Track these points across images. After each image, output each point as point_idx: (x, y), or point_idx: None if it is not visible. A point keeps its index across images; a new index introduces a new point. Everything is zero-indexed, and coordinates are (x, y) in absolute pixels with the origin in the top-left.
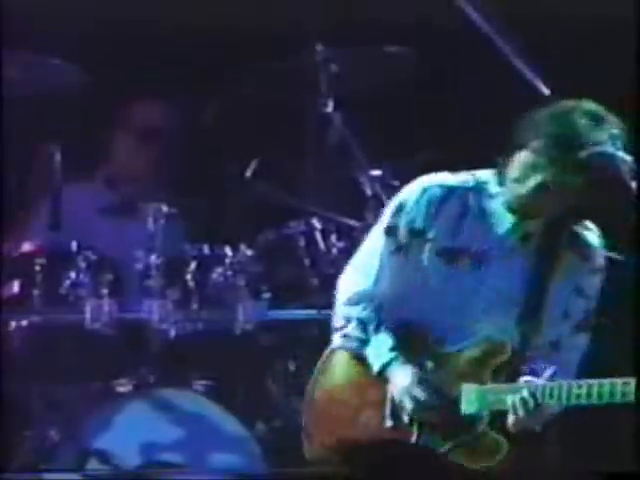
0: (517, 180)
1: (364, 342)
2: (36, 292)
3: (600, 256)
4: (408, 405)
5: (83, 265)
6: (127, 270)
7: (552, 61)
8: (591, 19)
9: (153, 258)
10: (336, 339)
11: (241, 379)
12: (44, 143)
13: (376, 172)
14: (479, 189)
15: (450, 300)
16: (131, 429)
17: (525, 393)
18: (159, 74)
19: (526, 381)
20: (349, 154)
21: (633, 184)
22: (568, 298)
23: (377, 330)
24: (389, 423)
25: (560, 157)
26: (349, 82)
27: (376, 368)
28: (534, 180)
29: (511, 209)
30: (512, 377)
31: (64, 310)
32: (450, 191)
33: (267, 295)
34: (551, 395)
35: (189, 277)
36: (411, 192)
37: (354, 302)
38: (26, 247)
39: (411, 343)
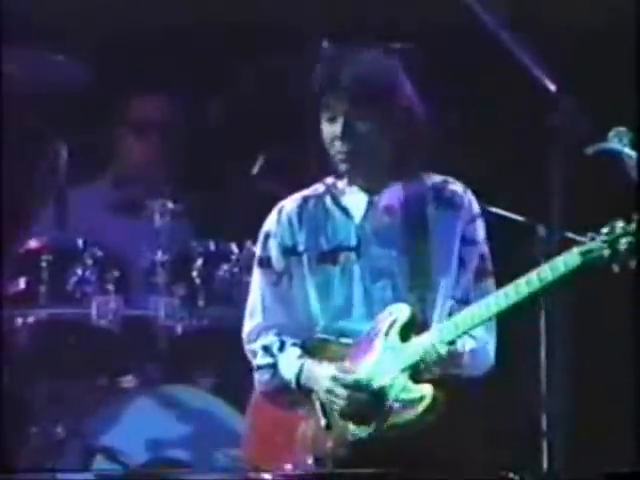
0: (338, 149)
1: (274, 366)
2: (42, 289)
3: (471, 201)
4: (339, 393)
5: (89, 262)
6: (133, 267)
7: (555, 59)
8: (591, 18)
9: (159, 255)
10: (255, 376)
11: (247, 376)
12: (50, 141)
13: None
14: (331, 191)
15: (342, 298)
16: (137, 426)
17: (438, 338)
18: (164, 71)
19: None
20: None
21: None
22: (458, 250)
23: (282, 349)
24: (323, 422)
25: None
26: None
27: (293, 380)
28: (340, 132)
29: (361, 188)
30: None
31: (70, 307)
32: (304, 200)
33: None
34: (457, 326)
35: (195, 274)
36: (271, 218)
37: (253, 338)
38: (32, 244)
39: (317, 349)
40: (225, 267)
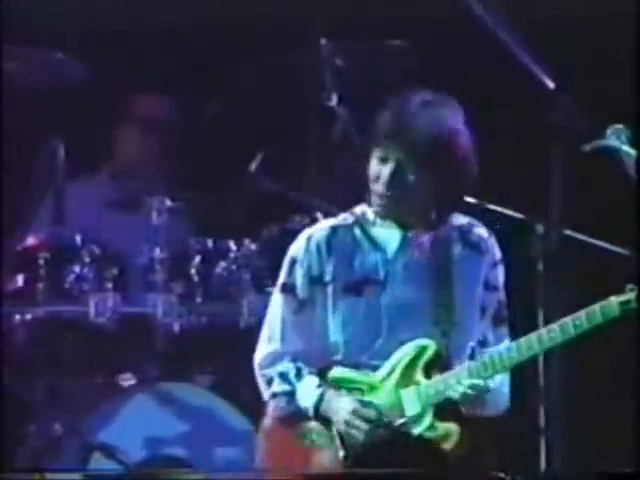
0: (380, 192)
1: (292, 393)
2: (40, 286)
3: (494, 246)
4: (359, 425)
5: (87, 259)
6: (131, 264)
7: (555, 58)
8: (591, 18)
9: (157, 252)
10: (269, 405)
11: (245, 373)
12: (47, 137)
13: None
14: (360, 222)
15: (365, 330)
16: (135, 423)
17: (466, 377)
18: (162, 68)
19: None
20: (353, 148)
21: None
22: (479, 294)
23: (299, 376)
24: (341, 454)
25: (392, 143)
26: (353, 76)
27: (311, 410)
28: (388, 177)
29: (393, 222)
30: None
31: (68, 304)
32: (333, 230)
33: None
34: (485, 368)
35: (193, 271)
36: (298, 245)
37: (268, 364)
38: (30, 241)
39: (336, 379)
40: (223, 264)
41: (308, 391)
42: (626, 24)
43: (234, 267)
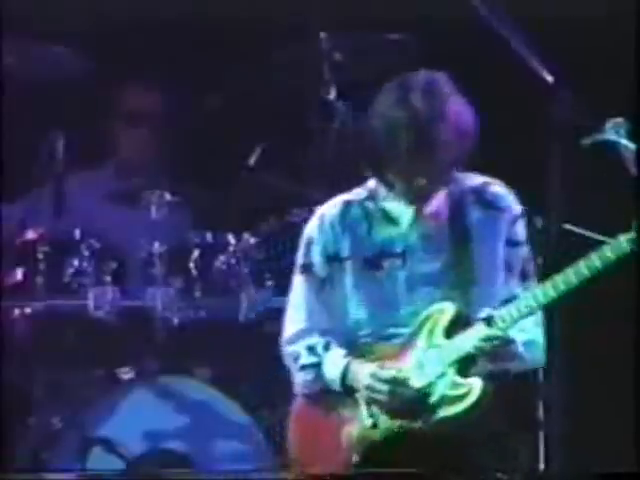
0: (392, 167)
1: (319, 365)
2: (39, 280)
3: (513, 202)
4: (380, 388)
5: (86, 253)
6: (130, 258)
7: (553, 50)
8: (589, 8)
9: (156, 246)
10: (297, 378)
11: (244, 367)
12: (47, 130)
13: None
14: (373, 196)
15: (387, 303)
16: (134, 417)
17: (483, 330)
18: (162, 62)
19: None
20: (352, 141)
21: (637, 171)
22: (502, 252)
23: (327, 348)
24: (369, 422)
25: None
26: (352, 69)
27: (338, 380)
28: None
29: (404, 195)
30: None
31: (67, 298)
32: (346, 206)
33: (271, 283)
34: (503, 320)
35: (192, 265)
36: (313, 224)
37: (295, 339)
38: (29, 235)
39: (362, 352)
40: (222, 258)
41: (335, 362)
42: (626, 16)
43: (233, 261)
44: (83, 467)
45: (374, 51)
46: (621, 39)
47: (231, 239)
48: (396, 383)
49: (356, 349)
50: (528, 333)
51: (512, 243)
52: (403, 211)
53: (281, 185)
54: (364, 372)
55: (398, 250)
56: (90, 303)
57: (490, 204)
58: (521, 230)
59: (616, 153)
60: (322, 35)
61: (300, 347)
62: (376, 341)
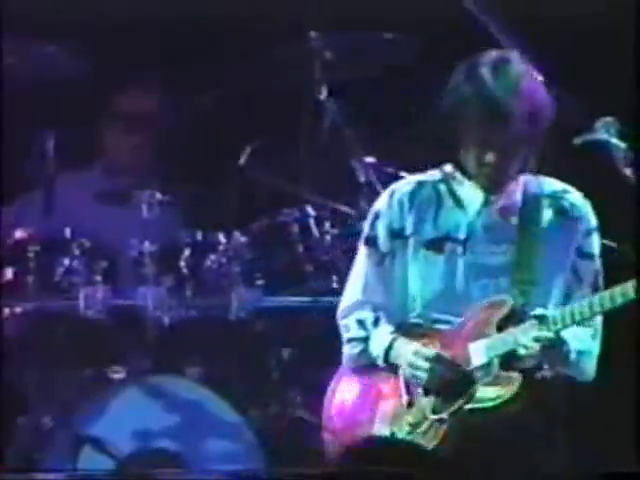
0: (472, 154)
1: (366, 339)
2: (30, 279)
3: (589, 213)
4: (420, 365)
5: (77, 252)
6: (121, 257)
7: (550, 55)
8: (591, 15)
9: (147, 245)
10: (344, 350)
11: (235, 366)
12: (38, 130)
13: (370, 159)
14: (447, 180)
15: (443, 287)
16: (125, 416)
17: (534, 329)
18: (153, 63)
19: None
20: (343, 141)
21: (627, 171)
22: (573, 262)
23: (376, 324)
24: (405, 399)
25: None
26: (343, 68)
27: (381, 355)
28: (492, 145)
29: (479, 183)
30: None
31: (58, 297)
32: (419, 185)
33: (261, 282)
34: (555, 322)
35: (183, 264)
36: (382, 199)
37: (348, 312)
38: (20, 234)
39: (410, 332)
40: (213, 257)
41: (381, 337)
42: (626, 13)
43: (224, 260)
44: (74, 466)
45: (365, 50)
46: (618, 35)
47: (222, 238)
48: (438, 361)
49: (404, 328)
50: (583, 343)
51: (585, 254)
52: (473, 197)
53: (271, 184)
54: (408, 349)
55: (461, 236)
56: (81, 302)
57: (566, 212)
58: (595, 242)
59: (607, 152)
60: (313, 34)
61: (351, 320)
62: (425, 323)
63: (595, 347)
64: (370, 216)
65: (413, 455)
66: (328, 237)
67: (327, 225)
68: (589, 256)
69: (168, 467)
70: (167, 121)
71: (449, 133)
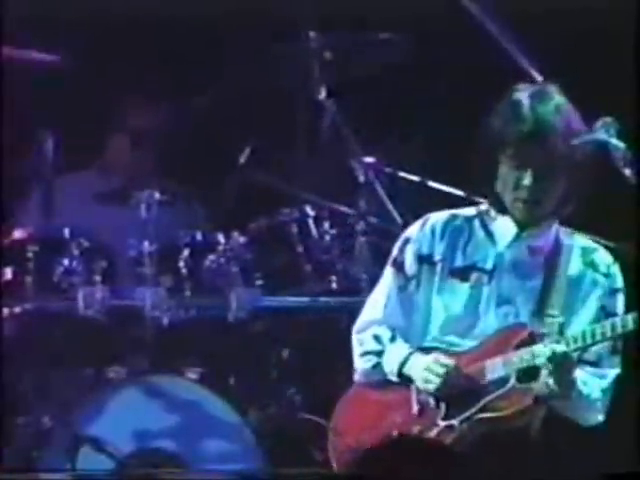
0: (523, 198)
1: (380, 353)
2: (29, 279)
3: (617, 274)
4: (436, 370)
5: (76, 252)
6: (120, 257)
7: (549, 53)
8: (590, 15)
9: (146, 245)
10: (357, 364)
11: (234, 366)
12: (36, 130)
13: (369, 159)
14: (482, 216)
15: (464, 314)
16: (124, 416)
17: (554, 345)
18: (152, 62)
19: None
20: (342, 141)
21: (627, 171)
22: (595, 316)
23: (392, 340)
24: (415, 408)
25: (523, 141)
26: (342, 68)
27: (395, 369)
28: (530, 183)
29: (515, 220)
30: None
31: (57, 297)
32: (453, 216)
33: (260, 282)
34: (575, 340)
35: (182, 264)
36: (415, 226)
37: (364, 327)
38: (18, 234)
39: (428, 352)
40: (212, 257)
41: (398, 352)
42: (625, 12)
43: (223, 260)
44: (73, 466)
45: (364, 50)
46: (618, 35)
47: (220, 238)
48: (453, 369)
49: (420, 349)
50: (588, 387)
51: (608, 313)
52: (505, 231)
53: (271, 184)
54: (425, 359)
55: (488, 267)
56: (80, 302)
57: (595, 266)
58: (620, 303)
59: (606, 152)
60: (312, 34)
61: (367, 334)
62: (441, 346)
63: (604, 399)
64: (400, 240)
65: (418, 460)
66: (327, 237)
67: (326, 225)
68: (612, 315)
69: (167, 467)
70: (166, 121)
71: (489, 164)
